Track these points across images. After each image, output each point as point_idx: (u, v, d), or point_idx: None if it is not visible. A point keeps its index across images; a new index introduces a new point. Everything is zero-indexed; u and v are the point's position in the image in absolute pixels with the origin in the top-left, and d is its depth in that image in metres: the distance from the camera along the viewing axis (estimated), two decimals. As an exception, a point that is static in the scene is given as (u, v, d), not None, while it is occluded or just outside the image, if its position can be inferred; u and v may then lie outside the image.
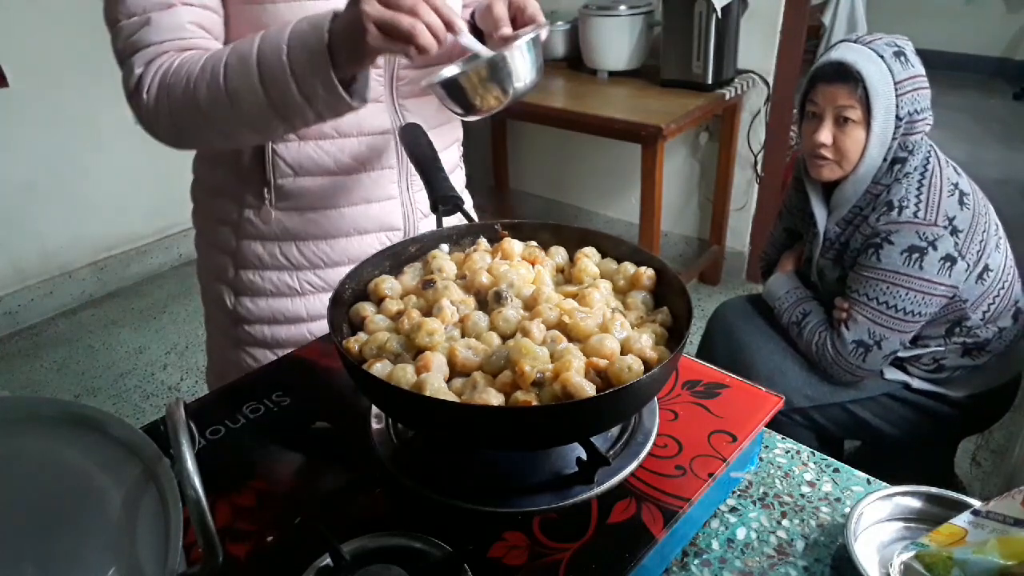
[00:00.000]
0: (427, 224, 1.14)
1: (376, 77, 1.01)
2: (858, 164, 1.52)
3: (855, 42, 1.50)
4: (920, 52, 1.53)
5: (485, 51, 0.88)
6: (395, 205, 1.10)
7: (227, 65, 0.85)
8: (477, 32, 1.01)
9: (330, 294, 1.05)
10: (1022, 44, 5.58)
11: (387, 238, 1.11)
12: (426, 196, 1.08)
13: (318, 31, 0.80)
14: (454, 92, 0.86)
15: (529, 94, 0.89)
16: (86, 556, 0.50)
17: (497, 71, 0.84)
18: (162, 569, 0.49)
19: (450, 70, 0.90)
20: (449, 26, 0.78)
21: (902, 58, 1.47)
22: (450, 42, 0.81)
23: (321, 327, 1.10)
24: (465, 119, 0.93)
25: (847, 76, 1.47)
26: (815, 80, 1.55)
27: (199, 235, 1.16)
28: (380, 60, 0.99)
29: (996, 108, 5.18)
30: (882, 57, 1.46)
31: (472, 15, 1.05)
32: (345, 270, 1.05)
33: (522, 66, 0.86)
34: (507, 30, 0.93)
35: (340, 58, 0.80)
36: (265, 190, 1.03)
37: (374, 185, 1.08)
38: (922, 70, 1.49)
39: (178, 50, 0.89)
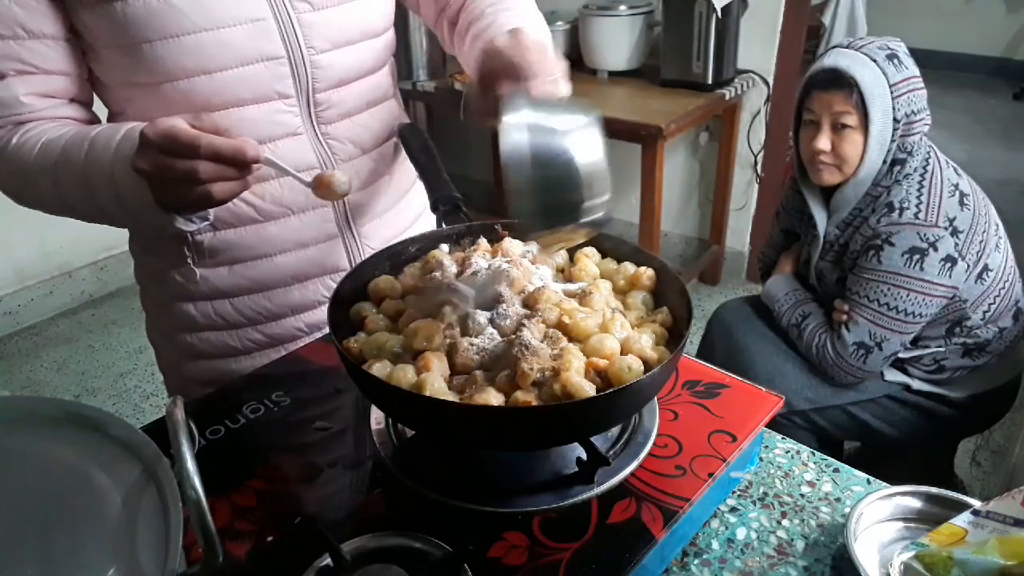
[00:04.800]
0: None
1: (287, 108, 0.90)
2: (858, 168, 1.52)
3: (847, 47, 1.51)
4: (920, 52, 1.53)
5: (299, 175, 0.77)
6: (336, 245, 1.01)
7: (57, 168, 0.79)
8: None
9: (278, 349, 1.00)
10: (1022, 44, 5.58)
11: (332, 281, 1.01)
12: (376, 228, 1.05)
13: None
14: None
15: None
16: (86, 556, 0.50)
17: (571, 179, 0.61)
18: (162, 569, 0.49)
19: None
20: (243, 166, 0.70)
21: (895, 60, 1.47)
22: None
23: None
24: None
25: (841, 82, 1.48)
26: (809, 87, 1.55)
27: (144, 293, 1.07)
28: (291, 89, 0.89)
29: (996, 108, 5.17)
30: (875, 61, 1.46)
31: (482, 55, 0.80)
32: (291, 321, 1.00)
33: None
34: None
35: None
36: (184, 248, 0.94)
37: (306, 228, 0.97)
38: (916, 71, 1.49)
39: (15, 124, 0.82)
